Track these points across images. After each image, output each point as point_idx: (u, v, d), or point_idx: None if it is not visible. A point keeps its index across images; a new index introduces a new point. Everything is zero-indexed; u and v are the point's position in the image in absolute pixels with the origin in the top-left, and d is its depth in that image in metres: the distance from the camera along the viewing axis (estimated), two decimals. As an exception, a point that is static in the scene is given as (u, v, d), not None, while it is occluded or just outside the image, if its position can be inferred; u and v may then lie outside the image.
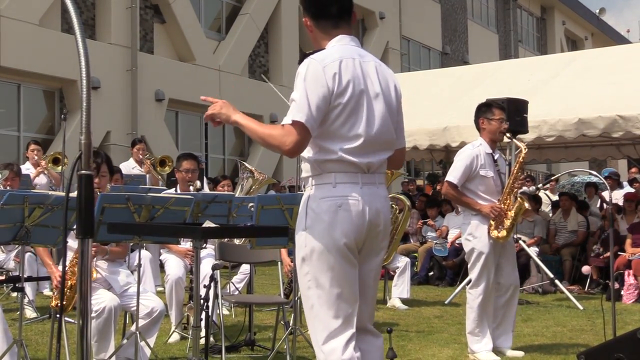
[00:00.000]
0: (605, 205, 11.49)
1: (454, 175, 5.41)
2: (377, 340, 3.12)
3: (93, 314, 4.36)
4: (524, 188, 5.94)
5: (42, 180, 9.31)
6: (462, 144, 8.69)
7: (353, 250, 2.96)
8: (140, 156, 10.13)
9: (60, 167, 9.25)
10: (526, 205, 5.41)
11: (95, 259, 4.65)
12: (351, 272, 2.96)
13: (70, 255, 4.44)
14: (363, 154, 2.95)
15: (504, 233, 5.36)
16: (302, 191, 3.43)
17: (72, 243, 4.58)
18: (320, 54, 2.97)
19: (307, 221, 2.97)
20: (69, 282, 4.41)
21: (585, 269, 9.50)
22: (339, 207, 2.92)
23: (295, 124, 2.84)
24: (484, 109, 5.57)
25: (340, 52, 2.98)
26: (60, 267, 4.66)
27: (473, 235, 5.42)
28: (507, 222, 5.35)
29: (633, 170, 13.47)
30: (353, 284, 2.97)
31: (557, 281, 8.68)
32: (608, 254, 8.62)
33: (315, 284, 2.95)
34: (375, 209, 2.98)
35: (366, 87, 2.98)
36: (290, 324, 5.00)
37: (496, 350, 5.42)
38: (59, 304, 4.19)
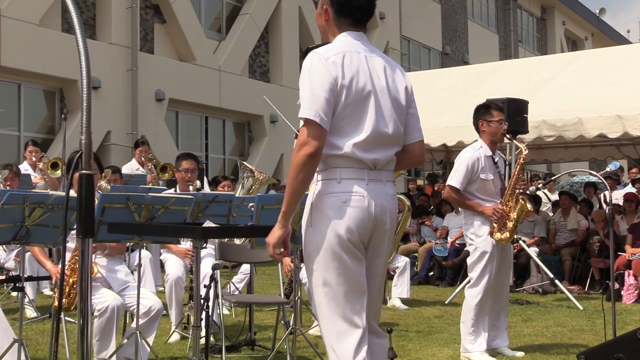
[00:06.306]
0: (604, 205, 11.47)
1: (455, 179, 5.38)
2: (381, 340, 3.08)
3: (96, 313, 4.38)
4: (532, 188, 5.93)
5: (40, 183, 9.28)
6: (462, 144, 8.70)
7: (358, 246, 2.90)
8: (143, 159, 10.10)
9: (58, 172, 9.18)
10: (528, 206, 5.38)
11: (94, 255, 4.65)
12: (358, 268, 2.91)
13: (68, 255, 4.44)
14: (369, 150, 2.90)
15: (506, 235, 5.34)
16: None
17: (70, 244, 4.58)
18: (324, 48, 2.92)
19: (312, 218, 2.92)
20: (71, 280, 4.42)
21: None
22: (344, 203, 2.86)
23: (305, 123, 2.82)
24: (482, 111, 5.53)
25: (344, 47, 2.93)
26: (58, 266, 4.66)
27: (476, 235, 5.40)
28: (510, 224, 5.33)
29: (633, 170, 13.46)
30: (360, 280, 2.91)
31: (557, 281, 8.68)
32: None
33: (322, 282, 2.90)
34: (381, 205, 2.93)
35: (371, 81, 2.93)
36: (291, 324, 5.00)
37: (495, 352, 5.41)
38: (59, 304, 4.19)
